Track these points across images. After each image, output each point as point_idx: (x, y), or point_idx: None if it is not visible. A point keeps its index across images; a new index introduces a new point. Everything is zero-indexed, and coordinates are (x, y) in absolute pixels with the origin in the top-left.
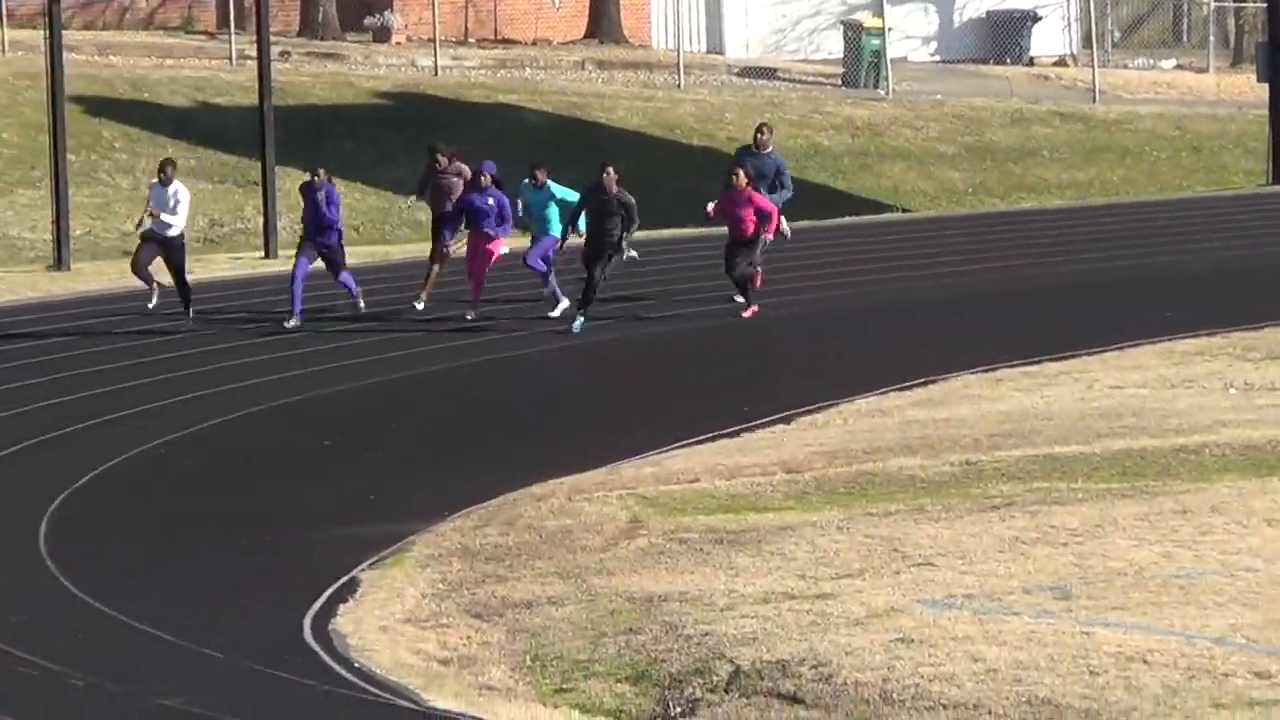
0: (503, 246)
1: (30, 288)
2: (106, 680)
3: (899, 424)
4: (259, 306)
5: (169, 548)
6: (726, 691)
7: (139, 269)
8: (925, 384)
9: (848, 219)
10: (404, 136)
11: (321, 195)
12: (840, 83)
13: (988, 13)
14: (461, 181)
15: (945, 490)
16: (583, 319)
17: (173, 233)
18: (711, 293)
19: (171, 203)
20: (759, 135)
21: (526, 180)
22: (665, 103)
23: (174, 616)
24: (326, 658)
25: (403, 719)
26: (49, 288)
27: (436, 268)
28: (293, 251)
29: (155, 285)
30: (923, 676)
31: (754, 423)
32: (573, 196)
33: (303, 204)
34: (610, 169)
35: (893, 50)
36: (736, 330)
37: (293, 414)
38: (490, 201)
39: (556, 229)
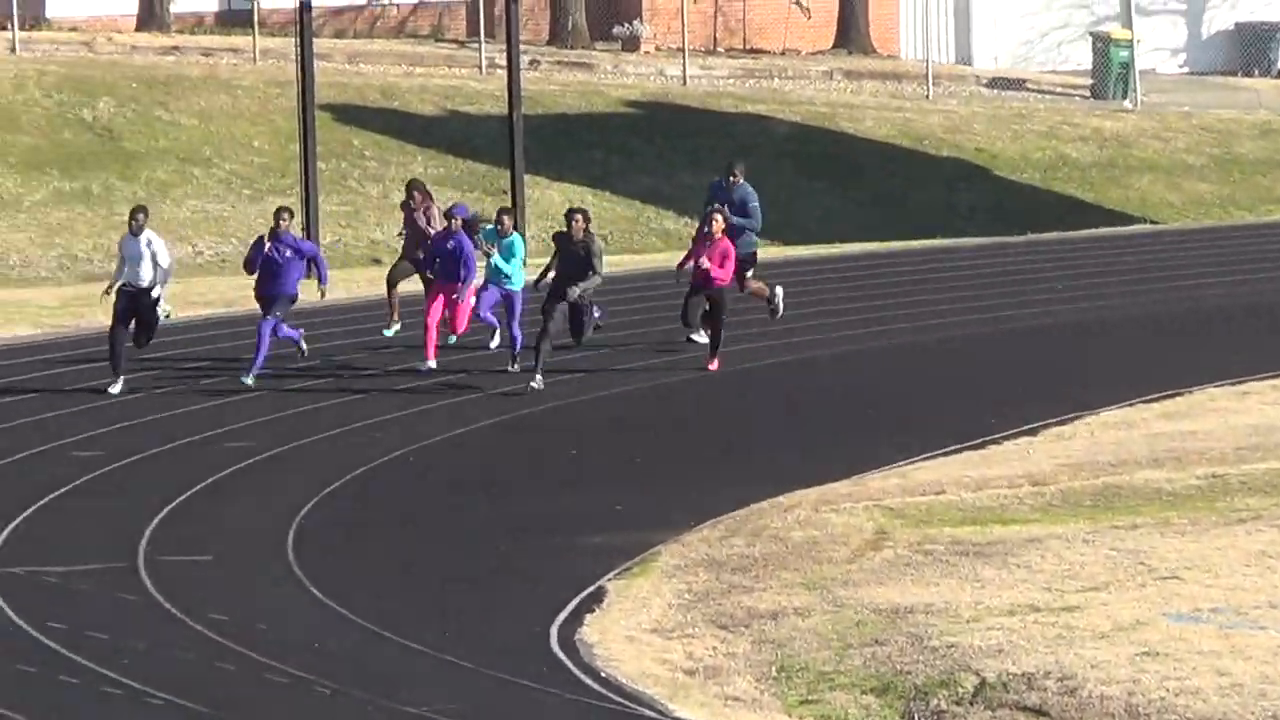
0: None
1: None
2: (353, 688)
3: (1145, 436)
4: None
5: (417, 555)
6: (972, 704)
7: (112, 343)
8: (1171, 396)
9: (1096, 230)
10: (653, 146)
11: (282, 248)
12: (1088, 94)
13: (1236, 25)
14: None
15: (1191, 503)
16: (540, 380)
17: (145, 283)
18: (960, 304)
19: (147, 253)
20: (733, 170)
21: (492, 226)
22: (913, 113)
23: (420, 624)
24: (573, 667)
25: None
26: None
27: (395, 293)
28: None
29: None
30: (1168, 690)
31: (1000, 435)
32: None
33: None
34: (579, 215)
35: (1141, 62)
36: (981, 342)
37: (538, 424)
38: (449, 245)
39: (519, 282)
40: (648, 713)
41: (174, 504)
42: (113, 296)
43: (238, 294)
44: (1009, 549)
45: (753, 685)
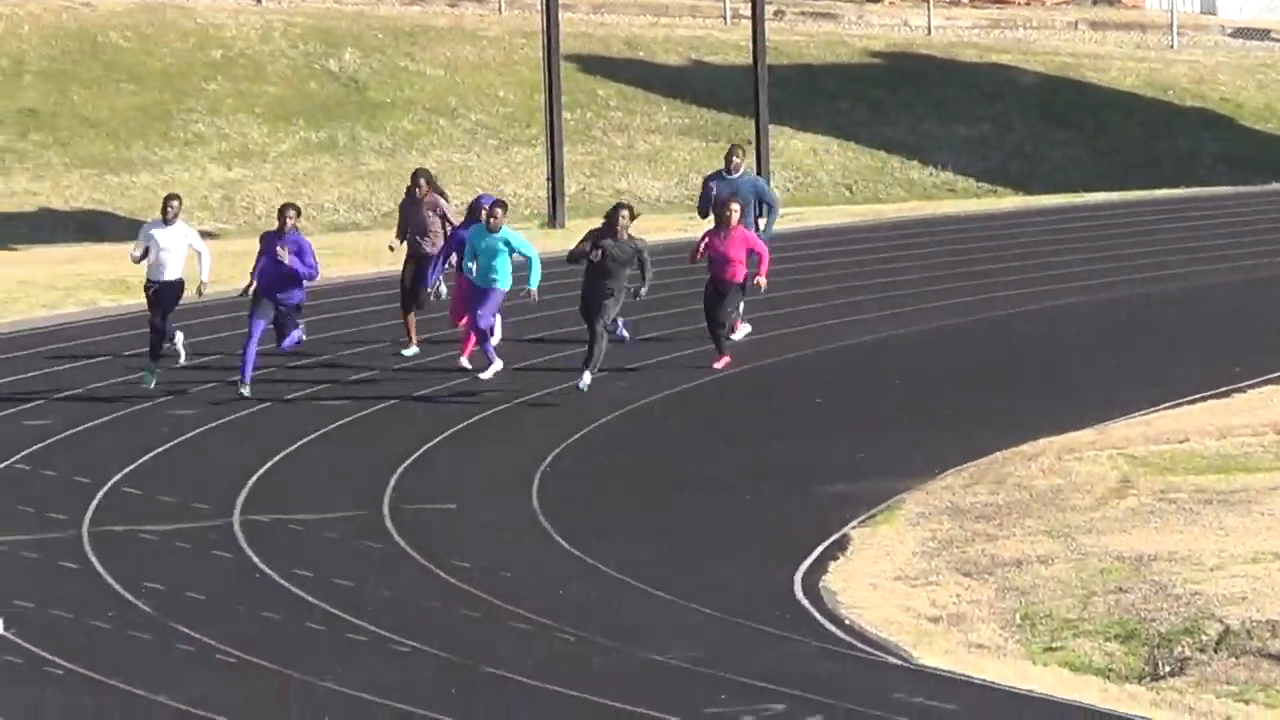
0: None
1: None
2: (598, 635)
3: None
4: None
5: (659, 503)
6: (1215, 651)
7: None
8: None
9: None
10: (897, 96)
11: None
12: None
13: None
14: (437, 216)
15: None
16: (590, 376)
17: (171, 277)
18: (1204, 252)
19: (181, 245)
20: (732, 158)
21: (483, 220)
22: (1158, 63)
23: (665, 572)
24: (817, 614)
25: (894, 676)
26: (544, 244)
27: (413, 316)
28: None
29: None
30: None
31: (1244, 384)
32: (529, 250)
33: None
34: (625, 211)
35: None
36: (1226, 290)
37: (782, 373)
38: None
39: (506, 282)
40: (893, 660)
41: (418, 453)
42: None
43: None
44: (1253, 497)
45: (997, 632)
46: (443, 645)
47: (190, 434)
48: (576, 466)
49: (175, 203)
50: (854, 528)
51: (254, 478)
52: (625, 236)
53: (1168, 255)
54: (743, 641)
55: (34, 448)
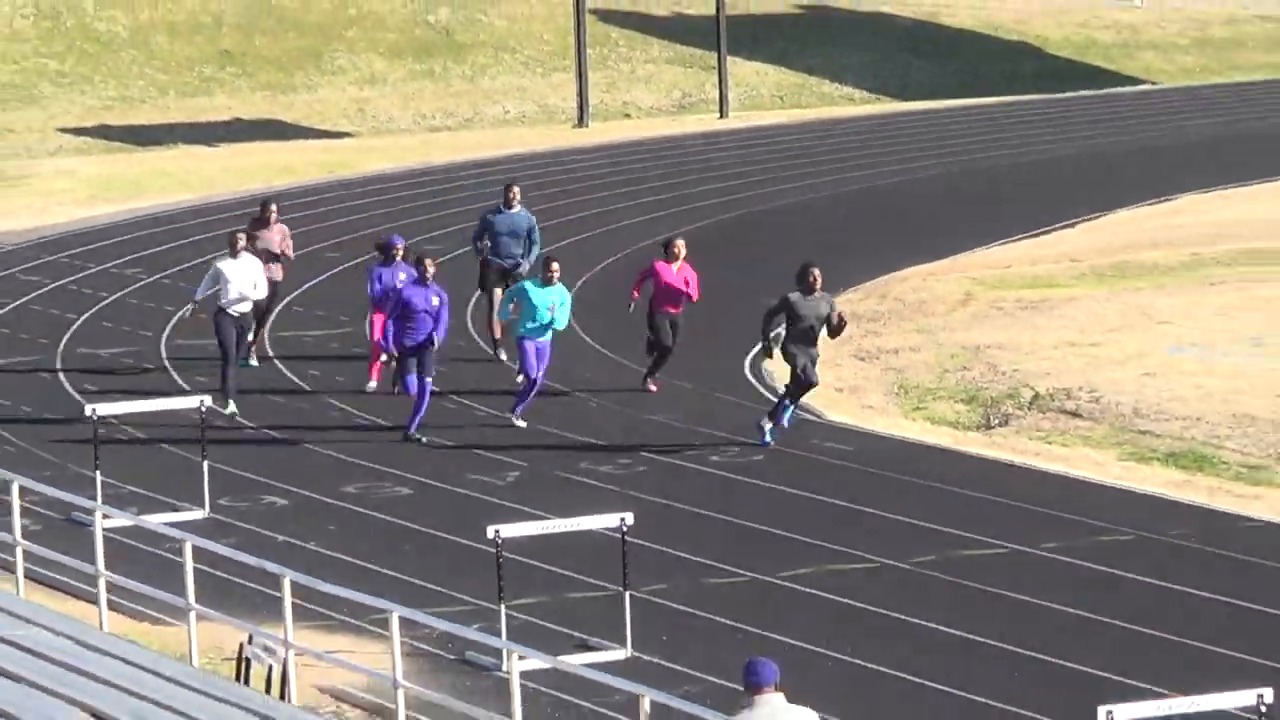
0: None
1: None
2: (611, 403)
3: (1148, 229)
4: None
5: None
6: (1029, 409)
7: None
8: (1165, 200)
9: (1112, 90)
10: (815, 35)
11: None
12: None
13: None
14: (285, 244)
15: (1179, 273)
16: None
17: (249, 307)
18: (1000, 141)
19: (253, 276)
20: (508, 193)
21: (538, 277)
22: (993, 9)
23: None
24: (761, 388)
25: (812, 429)
26: (572, 138)
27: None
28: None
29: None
30: (1162, 398)
31: (1049, 228)
32: (568, 312)
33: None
34: (814, 271)
35: None
36: (1028, 168)
37: (716, 232)
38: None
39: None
40: (812, 417)
41: None
42: (194, 315)
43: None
44: (1054, 305)
45: (881, 398)
46: None
47: None
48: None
49: (243, 237)
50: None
51: None
52: (819, 290)
53: (992, 141)
54: (709, 406)
55: None
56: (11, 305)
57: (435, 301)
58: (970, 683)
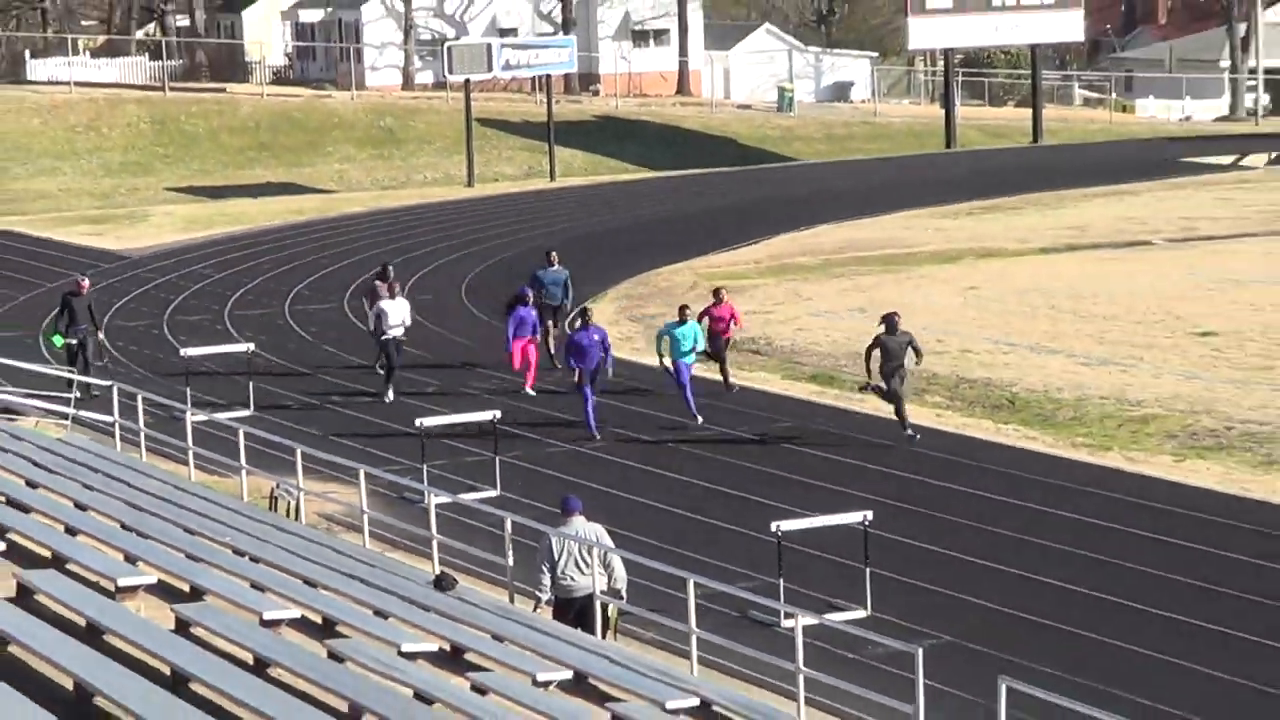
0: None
1: None
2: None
3: (799, 244)
4: None
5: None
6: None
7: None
8: (809, 228)
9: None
10: (604, 135)
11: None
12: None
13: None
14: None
15: (817, 271)
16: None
17: (401, 332)
18: (707, 192)
19: (403, 310)
20: (549, 256)
21: (676, 320)
22: (707, 117)
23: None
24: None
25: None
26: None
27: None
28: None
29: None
30: (808, 342)
31: (740, 244)
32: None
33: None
34: (896, 316)
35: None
36: (720, 211)
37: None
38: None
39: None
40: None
41: None
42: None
43: None
44: (745, 289)
45: (646, 344)
46: None
47: None
48: None
49: (396, 285)
50: (589, 303)
51: None
52: (900, 329)
53: (700, 195)
54: None
55: None
56: (136, 291)
57: (596, 338)
58: None
